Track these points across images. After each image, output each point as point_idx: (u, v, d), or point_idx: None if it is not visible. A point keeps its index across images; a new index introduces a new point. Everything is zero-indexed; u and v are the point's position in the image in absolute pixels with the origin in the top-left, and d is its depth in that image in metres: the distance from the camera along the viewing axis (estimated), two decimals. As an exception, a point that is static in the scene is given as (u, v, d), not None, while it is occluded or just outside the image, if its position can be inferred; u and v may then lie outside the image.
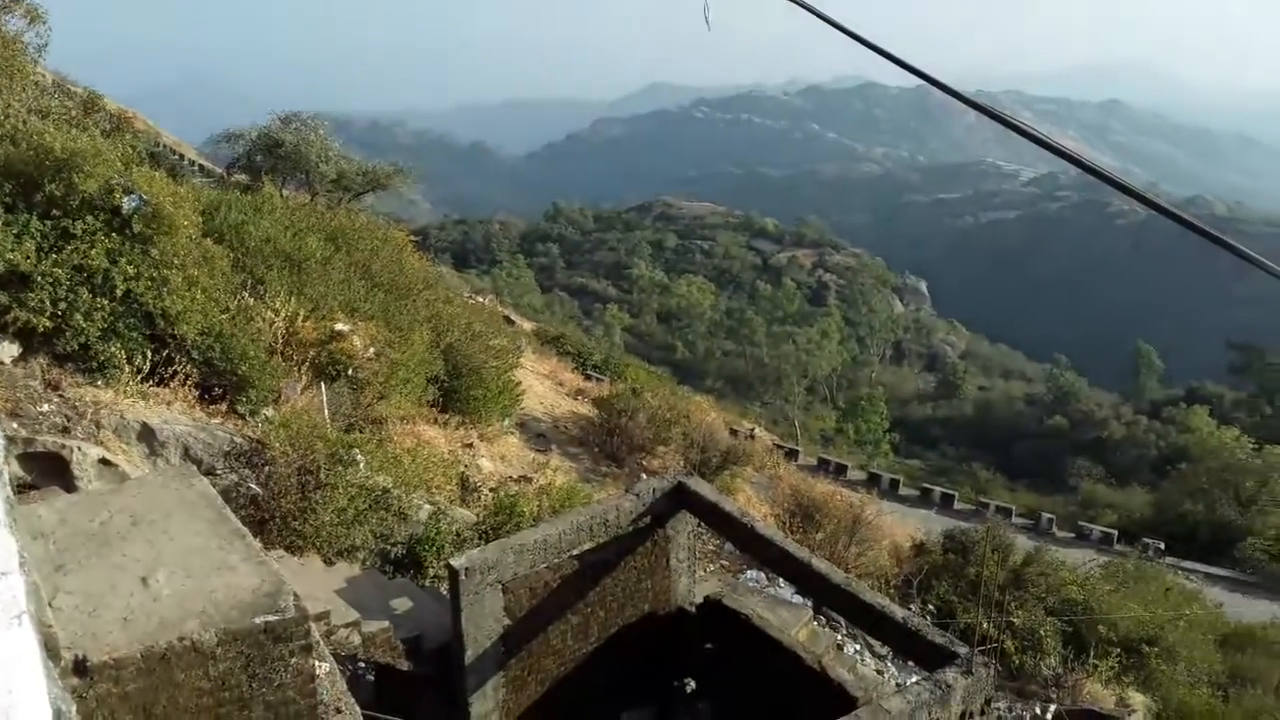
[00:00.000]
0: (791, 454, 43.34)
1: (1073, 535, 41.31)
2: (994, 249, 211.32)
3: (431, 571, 13.02)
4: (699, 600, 12.36)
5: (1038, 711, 16.71)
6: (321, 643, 7.25)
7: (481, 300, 46.38)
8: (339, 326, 16.04)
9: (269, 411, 13.62)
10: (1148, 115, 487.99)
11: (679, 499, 11.74)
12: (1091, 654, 19.89)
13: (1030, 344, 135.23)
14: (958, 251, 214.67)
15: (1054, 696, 17.75)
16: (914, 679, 10.27)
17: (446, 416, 19.16)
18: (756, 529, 11.20)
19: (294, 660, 5.76)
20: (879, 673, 16.97)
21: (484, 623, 10.06)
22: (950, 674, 8.69)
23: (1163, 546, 40.17)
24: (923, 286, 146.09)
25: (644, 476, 15.83)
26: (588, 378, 34.38)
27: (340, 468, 12.35)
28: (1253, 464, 46.14)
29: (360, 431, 15.02)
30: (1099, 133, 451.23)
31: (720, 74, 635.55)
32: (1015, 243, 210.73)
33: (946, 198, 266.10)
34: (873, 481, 43.89)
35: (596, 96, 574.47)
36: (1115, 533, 41.96)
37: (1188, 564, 39.04)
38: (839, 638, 17.52)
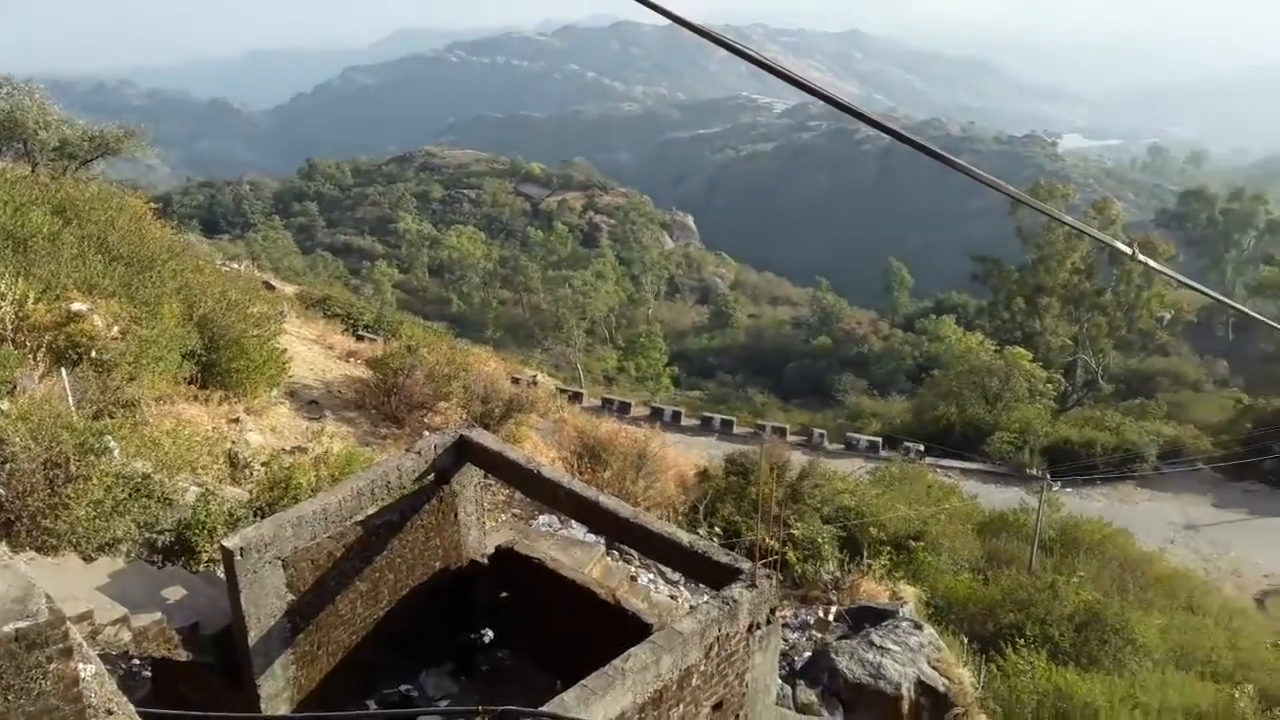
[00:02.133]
0: (576, 397, 43.80)
1: (843, 447, 43.87)
2: (754, 181, 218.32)
3: (206, 556, 12.37)
4: (491, 551, 12.35)
5: (820, 614, 17.72)
6: (85, 644, 6.78)
7: (237, 267, 44.05)
8: (76, 306, 14.84)
9: (4, 405, 12.48)
10: (883, 42, 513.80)
11: (462, 453, 11.64)
12: (865, 555, 21.28)
13: (793, 270, 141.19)
14: (721, 185, 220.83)
15: (834, 598, 18.88)
16: (704, 599, 10.68)
17: (208, 392, 18.14)
18: (543, 474, 11.26)
19: (53, 666, 5.36)
20: (673, 598, 17.50)
21: (265, 601, 9.69)
22: (736, 590, 9.06)
23: (922, 448, 43.34)
24: (690, 221, 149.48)
25: (426, 434, 15.57)
26: (360, 339, 33.39)
27: (92, 457, 11.49)
28: (995, 365, 50.21)
29: (111, 417, 14.02)
30: (842, 62, 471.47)
31: (473, 16, 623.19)
32: (773, 173, 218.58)
33: (706, 133, 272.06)
34: (656, 415, 45.02)
35: (345, 44, 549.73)
36: (880, 440, 44.88)
37: (945, 462, 42.31)
38: (633, 570, 17.94)
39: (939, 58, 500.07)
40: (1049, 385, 52.03)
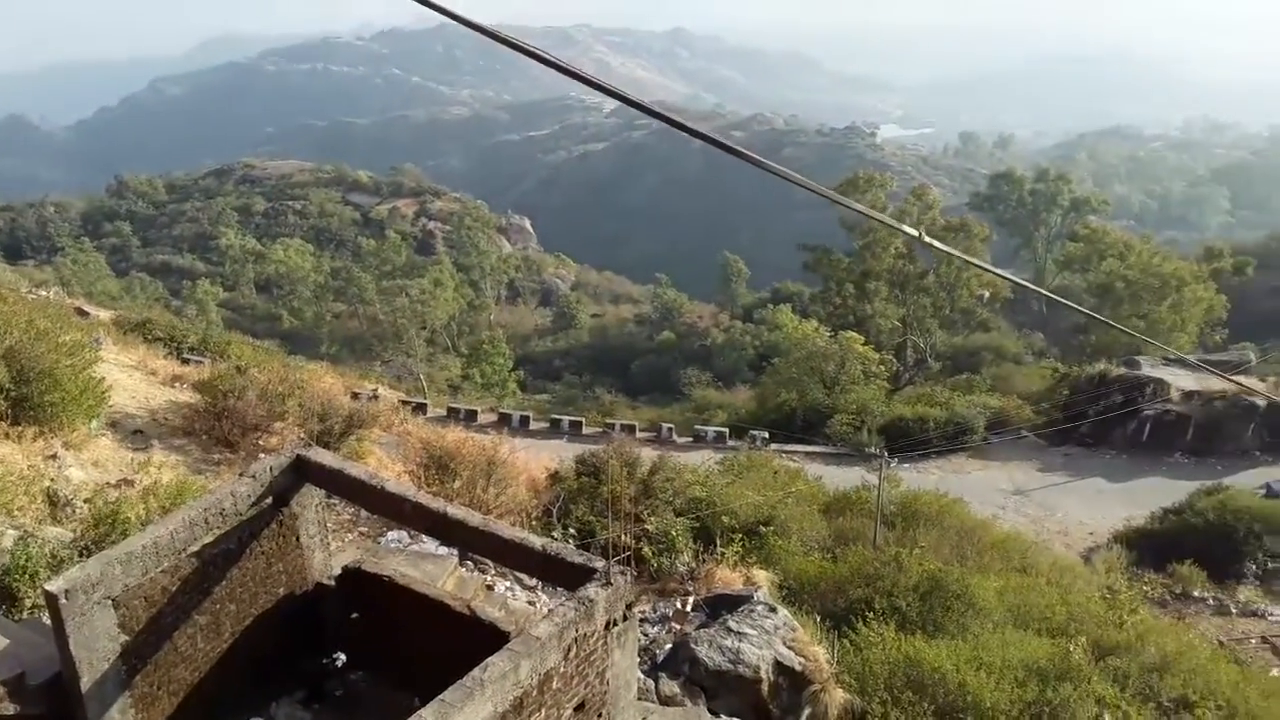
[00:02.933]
0: (420, 408, 42.98)
1: (692, 439, 44.46)
2: (588, 180, 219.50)
3: (29, 602, 11.56)
4: (338, 572, 11.94)
5: (678, 606, 17.88)
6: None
7: (45, 294, 41.32)
8: None
9: None
10: (708, 40, 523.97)
11: (300, 473, 11.20)
12: (718, 543, 21.57)
13: (633, 267, 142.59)
14: (555, 186, 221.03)
15: (691, 589, 19.08)
16: (561, 601, 10.60)
17: (20, 429, 16.93)
18: (387, 489, 10.95)
19: None
20: (531, 604, 17.35)
21: (97, 645, 9.09)
22: (591, 589, 9.01)
23: (767, 435, 44.34)
24: (527, 224, 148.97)
25: (262, 457, 14.94)
26: (185, 362, 31.78)
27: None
28: (831, 350, 51.81)
29: (-91, 463, 12.91)
30: (669, 61, 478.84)
31: (285, 23, 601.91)
32: (607, 172, 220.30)
33: (537, 135, 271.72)
34: (504, 421, 44.62)
35: (151, 54, 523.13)
36: (727, 430, 45.72)
37: (790, 447, 43.42)
38: (488, 579, 17.69)
39: (761, 53, 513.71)
40: (882, 366, 54.02)
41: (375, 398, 35.94)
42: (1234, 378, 40.18)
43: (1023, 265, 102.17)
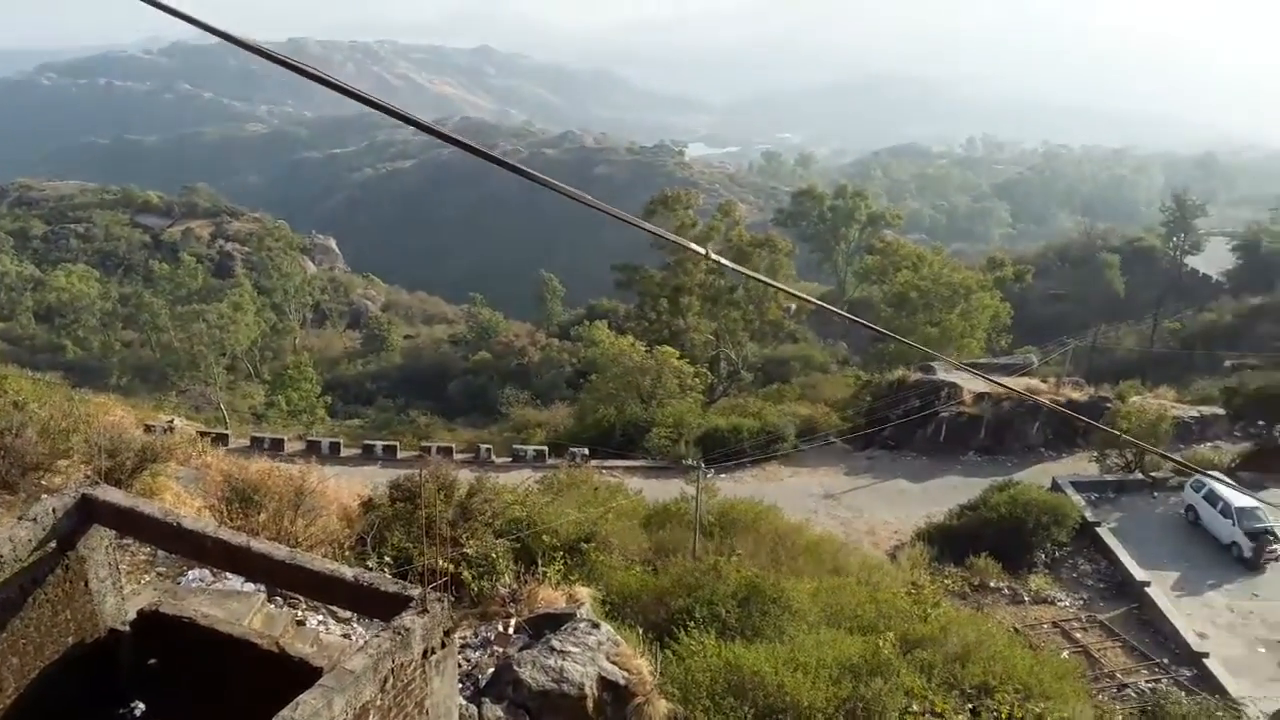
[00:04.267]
0: (221, 439, 40.97)
1: (511, 459, 44.12)
2: (397, 198, 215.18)
3: None
4: (132, 617, 11.17)
5: (500, 628, 17.64)
6: None
7: None
8: None
9: None
10: (514, 57, 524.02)
11: (87, 513, 10.42)
12: (540, 563, 21.42)
13: (447, 287, 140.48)
14: (362, 205, 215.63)
15: (513, 611, 18.84)
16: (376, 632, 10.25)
17: None
18: (185, 526, 10.35)
19: None
20: (346, 636, 16.74)
21: None
22: (407, 618, 8.77)
23: (587, 452, 44.43)
24: (332, 244, 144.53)
25: (44, 498, 13.84)
26: (-44, 398, 29.23)
27: None
28: (647, 364, 52.46)
29: None
30: (475, 78, 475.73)
31: (61, 35, 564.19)
32: (417, 190, 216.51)
33: (342, 152, 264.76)
34: (313, 449, 43.13)
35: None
36: (546, 449, 45.57)
37: (610, 462, 43.62)
38: (299, 614, 16.97)
39: (568, 71, 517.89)
40: (697, 379, 55.08)
41: (171, 430, 34.02)
42: (992, 377, 43.17)
43: (825, 277, 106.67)
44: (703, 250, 7.30)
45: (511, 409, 66.13)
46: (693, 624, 20.36)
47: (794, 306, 69.19)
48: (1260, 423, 45.72)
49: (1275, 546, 35.13)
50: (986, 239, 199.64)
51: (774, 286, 62.90)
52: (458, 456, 43.33)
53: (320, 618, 17.48)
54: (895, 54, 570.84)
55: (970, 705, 20.45)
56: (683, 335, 65.54)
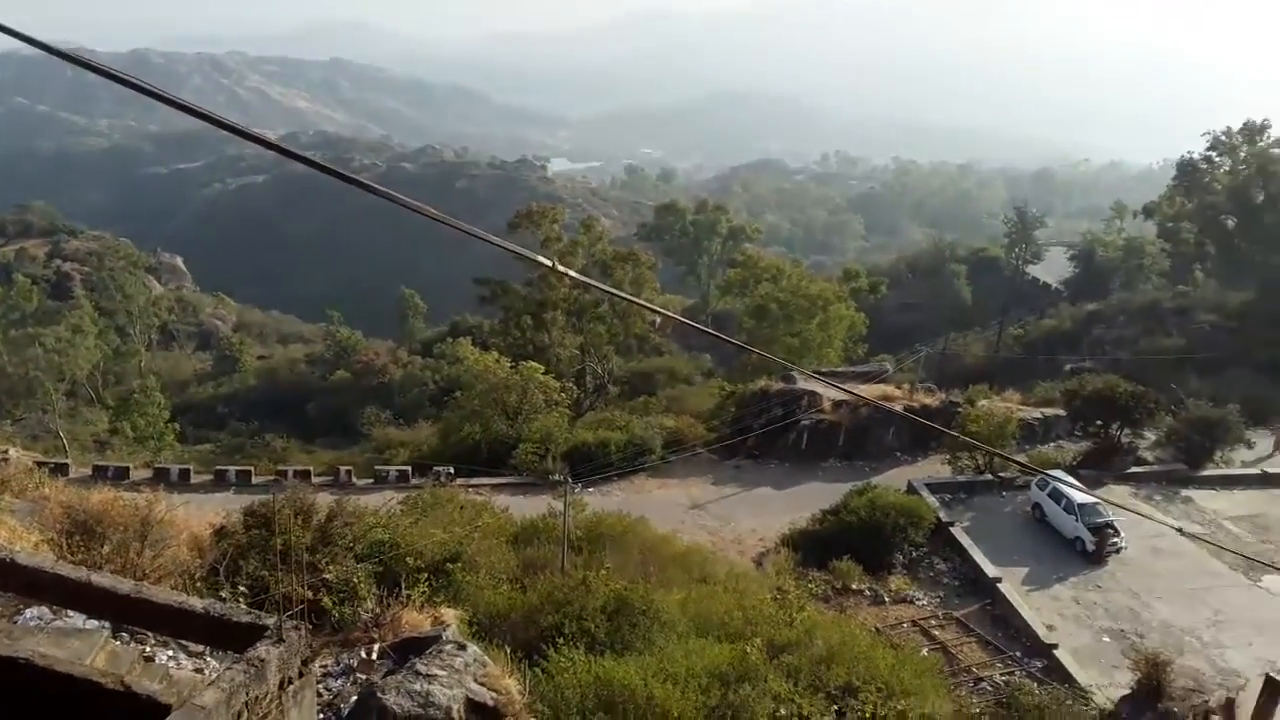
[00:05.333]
0: (60, 469, 38.75)
1: (372, 481, 43.11)
2: (249, 214, 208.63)
3: None
4: (-42, 662, 10.37)
5: (363, 655, 17.14)
6: None
7: None
8: None
9: None
10: (370, 70, 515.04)
11: (-99, 554, 9.66)
12: (404, 586, 20.90)
13: (302, 305, 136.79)
14: (211, 222, 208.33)
15: (377, 636, 18.33)
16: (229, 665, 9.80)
17: None
18: (18, 561, 9.72)
19: None
20: (199, 671, 15.97)
21: None
22: (262, 648, 8.41)
23: (452, 470, 43.76)
24: (179, 263, 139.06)
25: None
26: None
27: None
28: (513, 380, 52.01)
29: None
30: (330, 90, 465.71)
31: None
32: (270, 206, 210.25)
33: (189, 167, 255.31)
34: (161, 477, 41.27)
35: None
36: (409, 469, 44.68)
37: (476, 480, 43.09)
38: (147, 650, 16.11)
39: (426, 85, 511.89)
40: (563, 394, 54.95)
41: (5, 461, 31.99)
42: (836, 384, 44.48)
43: (689, 291, 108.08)
44: (549, 262, 7.24)
45: (373, 429, 64.66)
46: (562, 640, 20.21)
47: (658, 320, 69.85)
48: (1098, 422, 48.20)
49: (1115, 540, 37.07)
50: (843, 251, 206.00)
51: (626, 299, 63.33)
52: (316, 480, 42.12)
53: (170, 653, 16.63)
54: (751, 73, 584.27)
55: (835, 706, 20.89)
56: (548, 350, 65.33)
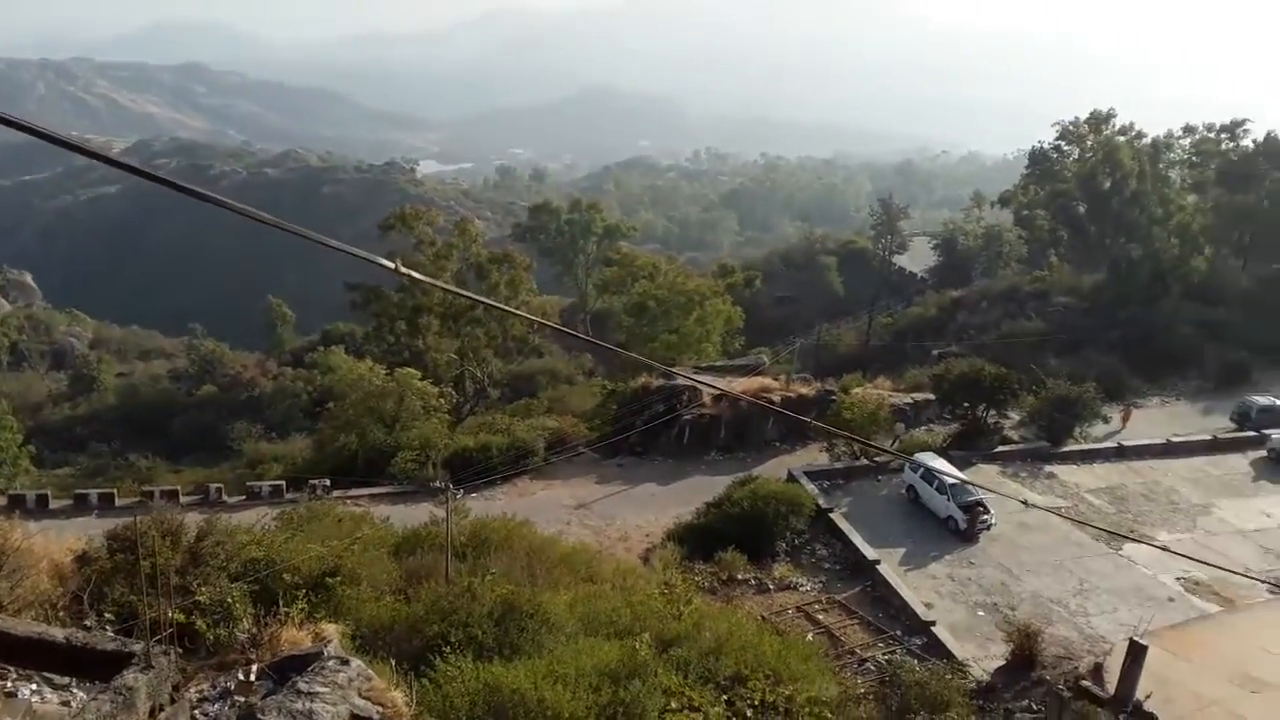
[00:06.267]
0: (-97, 501, 36.39)
1: (244, 497, 41.76)
2: (103, 227, 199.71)
3: None
4: None
5: (241, 677, 16.53)
6: None
7: None
8: None
9: None
10: (226, 74, 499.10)
11: None
12: (281, 603, 20.27)
13: (164, 319, 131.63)
14: (61, 235, 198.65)
15: (254, 656, 17.73)
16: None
17: None
18: None
19: None
20: (65, 704, 15.19)
21: None
22: (129, 676, 8.05)
23: (328, 483, 42.70)
24: (28, 279, 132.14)
25: None
26: None
27: None
28: (389, 387, 51.06)
29: None
30: (184, 96, 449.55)
31: None
32: (125, 217, 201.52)
33: (34, 178, 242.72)
34: (16, 504, 39.08)
35: None
36: (284, 483, 43.40)
37: (354, 491, 42.15)
38: (8, 685, 15.24)
39: (286, 89, 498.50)
40: (442, 400, 54.22)
41: None
42: (707, 381, 45.13)
43: (567, 290, 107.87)
44: (392, 265, 7.12)
45: (243, 444, 62.59)
46: (449, 649, 19.92)
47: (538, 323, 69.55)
48: (965, 404, 49.96)
49: (986, 517, 38.52)
50: (717, 247, 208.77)
51: (483, 303, 62.97)
52: (185, 499, 40.59)
53: (34, 686, 15.78)
54: (613, 71, 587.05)
55: (725, 696, 21.12)
56: (425, 355, 64.36)
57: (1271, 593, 35.44)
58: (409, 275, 6.76)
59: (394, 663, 18.03)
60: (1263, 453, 49.84)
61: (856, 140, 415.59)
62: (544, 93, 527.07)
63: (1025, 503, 26.27)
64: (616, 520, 41.32)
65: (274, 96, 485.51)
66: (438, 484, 37.73)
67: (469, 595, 22.49)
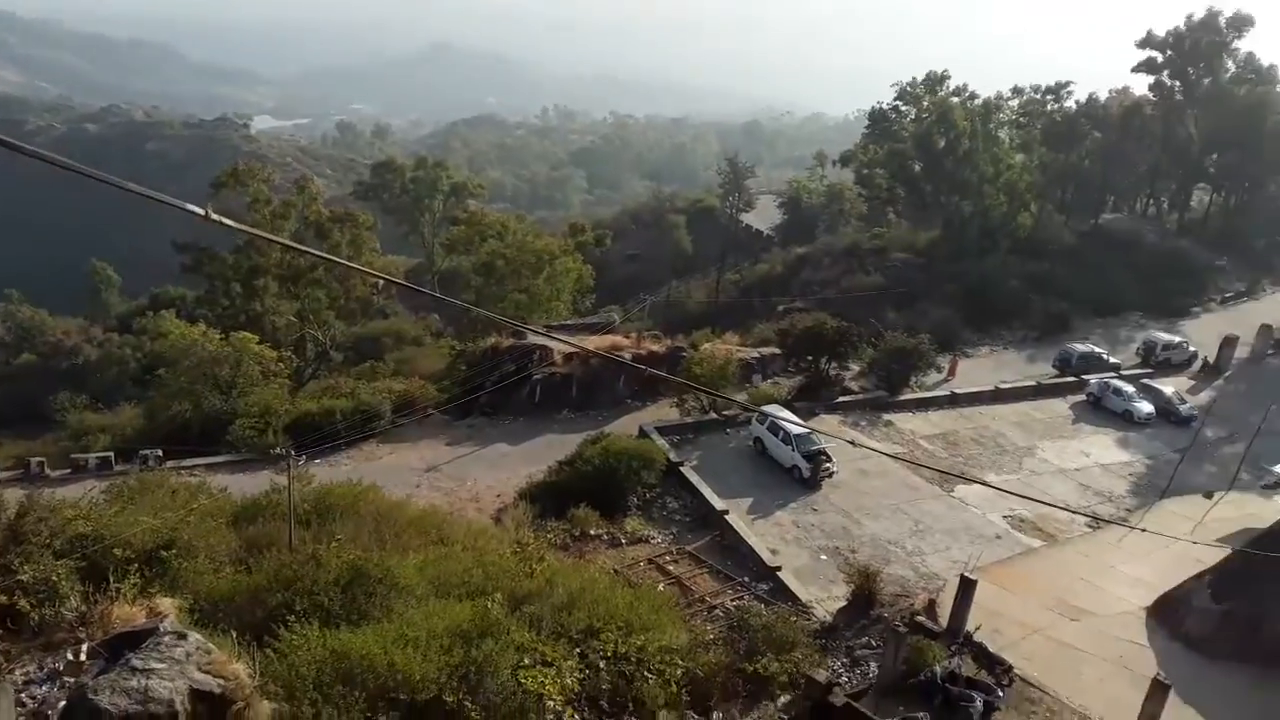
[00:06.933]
0: None
1: (69, 471, 39.61)
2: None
3: None
4: None
5: (70, 656, 15.78)
6: None
7: None
8: None
9: None
10: (41, 24, 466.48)
11: None
12: (112, 579, 19.37)
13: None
14: None
15: (84, 635, 16.94)
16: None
17: None
18: None
19: None
20: None
21: None
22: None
23: (161, 453, 40.85)
24: None
25: None
26: None
27: None
28: (224, 353, 48.99)
29: None
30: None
31: None
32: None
33: None
34: None
35: None
36: (112, 454, 41.31)
37: (189, 461, 40.52)
38: None
39: (106, 40, 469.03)
40: (282, 364, 52.45)
41: None
42: (561, 338, 45.22)
43: (413, 250, 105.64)
44: (201, 211, 6.79)
45: (67, 415, 59.09)
46: (294, 618, 19.43)
47: (381, 282, 67.76)
48: (809, 357, 51.42)
49: (828, 465, 39.91)
50: (567, 205, 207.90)
51: (326, 260, 61.28)
52: (3, 475, 38.17)
53: None
54: (454, 25, 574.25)
55: (578, 649, 21.32)
56: (263, 319, 62.08)
57: (1090, 527, 38.02)
58: (221, 222, 6.42)
59: (236, 635, 17.49)
60: (1082, 397, 53.26)
61: (704, 100, 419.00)
62: (387, 49, 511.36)
63: (853, 443, 27.33)
64: (468, 481, 40.99)
65: (94, 48, 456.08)
66: (279, 451, 36.53)
67: (314, 563, 21.97)
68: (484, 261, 68.91)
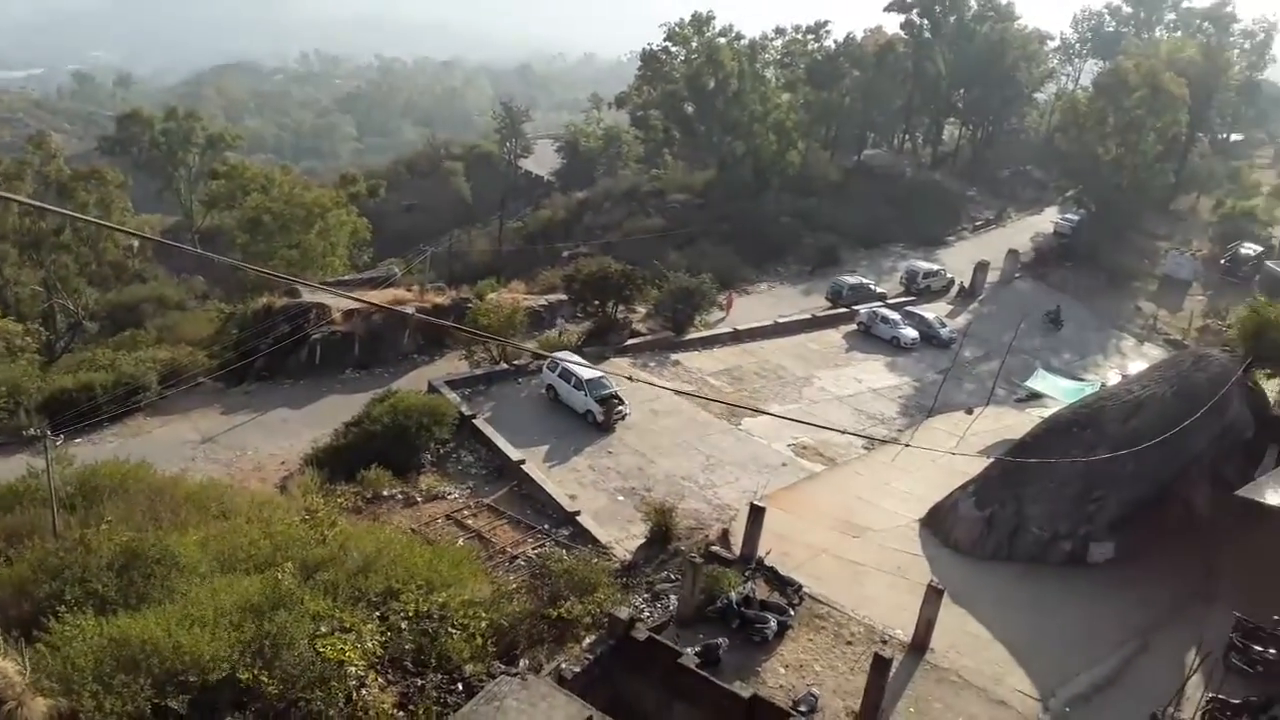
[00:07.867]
0: None
1: None
2: None
3: None
4: None
5: None
6: None
7: None
8: None
9: None
10: None
11: None
12: None
13: None
14: None
15: None
16: None
17: None
18: None
19: None
20: None
21: None
22: None
23: (-107, 443, 36.93)
24: None
25: None
26: None
27: None
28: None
29: None
30: None
31: None
32: None
33: None
34: None
35: None
36: None
37: (-73, 450, 36.77)
38: None
39: None
40: (29, 338, 48.36)
41: None
42: (346, 294, 43.84)
43: (169, 208, 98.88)
44: None
45: None
46: (64, 608, 18.11)
47: (137, 243, 63.19)
48: (596, 302, 51.76)
49: (620, 408, 40.51)
50: (336, 156, 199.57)
51: (80, 219, 57.08)
52: None
53: None
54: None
55: (379, 612, 20.90)
56: (3, 290, 56.79)
57: (865, 448, 40.39)
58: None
59: (1, 632, 16.17)
60: (853, 326, 56.27)
61: (473, 43, 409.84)
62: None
63: (630, 379, 27.87)
64: (248, 451, 39.17)
65: None
66: (33, 432, 33.63)
67: (82, 548, 20.52)
68: (249, 217, 65.35)
